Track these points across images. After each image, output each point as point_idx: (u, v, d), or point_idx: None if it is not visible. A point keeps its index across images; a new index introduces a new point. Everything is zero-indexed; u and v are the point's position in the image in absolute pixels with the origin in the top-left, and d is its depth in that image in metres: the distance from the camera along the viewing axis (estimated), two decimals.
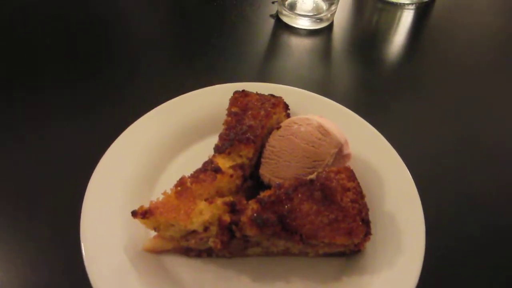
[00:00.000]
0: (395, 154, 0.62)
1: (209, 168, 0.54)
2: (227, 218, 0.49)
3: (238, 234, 0.50)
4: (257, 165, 0.60)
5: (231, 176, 0.55)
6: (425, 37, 0.99)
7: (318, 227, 0.48)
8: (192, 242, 0.53)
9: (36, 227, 0.58)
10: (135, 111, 0.66)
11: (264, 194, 0.51)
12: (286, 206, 0.49)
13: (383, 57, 0.92)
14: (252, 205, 0.50)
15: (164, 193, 0.52)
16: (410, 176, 0.59)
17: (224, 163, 0.56)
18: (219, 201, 0.51)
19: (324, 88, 0.81)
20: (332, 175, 0.52)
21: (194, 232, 0.52)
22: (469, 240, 0.60)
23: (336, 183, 0.50)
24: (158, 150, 0.64)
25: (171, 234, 0.52)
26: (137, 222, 0.51)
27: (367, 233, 0.51)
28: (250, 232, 0.48)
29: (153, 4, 1.02)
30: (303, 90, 0.70)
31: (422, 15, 1.01)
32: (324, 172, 0.52)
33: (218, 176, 0.54)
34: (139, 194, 0.58)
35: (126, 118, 0.65)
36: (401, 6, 1.01)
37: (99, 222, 0.53)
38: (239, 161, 0.57)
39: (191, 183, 0.52)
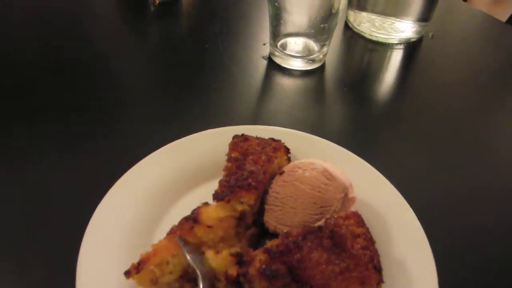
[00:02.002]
0: (399, 196, 0.61)
1: (191, 217, 0.53)
2: (233, 271, 0.46)
3: (246, 287, 0.47)
4: (259, 212, 0.58)
5: (209, 227, 0.52)
6: (414, 75, 1.01)
7: (330, 277, 0.46)
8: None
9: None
10: (128, 152, 0.64)
11: (271, 244, 0.49)
12: (295, 256, 0.46)
13: (376, 96, 0.93)
14: (260, 255, 0.48)
15: (153, 245, 0.51)
16: (416, 219, 0.58)
17: (216, 211, 0.54)
18: (225, 252, 0.48)
19: (318, 128, 0.80)
20: (341, 221, 0.50)
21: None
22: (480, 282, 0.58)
23: (345, 230, 0.49)
24: (155, 198, 0.61)
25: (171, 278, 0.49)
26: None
27: (379, 281, 0.48)
28: (259, 285, 0.46)
29: (142, 44, 1.02)
30: (303, 133, 0.69)
31: (410, 54, 1.04)
32: (332, 219, 0.50)
33: (195, 226, 0.52)
34: (137, 246, 0.54)
35: (119, 162, 0.63)
36: (390, 46, 1.04)
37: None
38: (240, 208, 0.55)
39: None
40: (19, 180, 0.66)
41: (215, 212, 0.54)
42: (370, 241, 0.49)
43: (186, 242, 0.51)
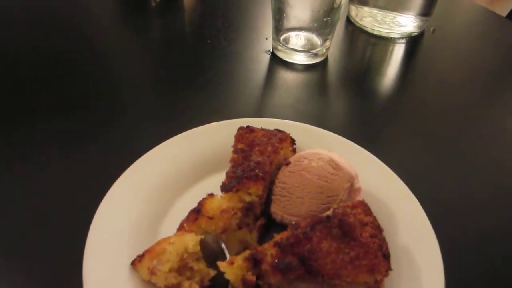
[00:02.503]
0: (404, 186, 0.61)
1: (196, 209, 0.53)
2: (252, 277, 0.46)
3: (262, 284, 0.47)
4: (266, 202, 0.58)
5: (210, 218, 0.53)
6: (416, 69, 1.02)
7: (340, 266, 0.46)
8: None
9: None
10: (131, 150, 0.64)
11: (281, 236, 0.49)
12: (306, 247, 0.46)
13: (378, 89, 0.93)
14: (270, 250, 0.47)
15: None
16: (422, 209, 0.58)
17: (218, 203, 0.54)
18: (239, 260, 0.48)
19: (322, 121, 0.80)
20: (349, 210, 0.50)
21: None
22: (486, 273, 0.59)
23: (353, 218, 0.49)
24: (161, 192, 0.60)
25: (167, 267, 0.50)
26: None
27: (388, 269, 0.49)
28: (274, 279, 0.46)
29: (144, 40, 1.02)
30: (307, 125, 0.69)
31: (412, 48, 1.04)
32: (340, 208, 0.50)
33: (199, 217, 0.52)
34: (144, 241, 0.54)
35: (123, 155, 0.63)
36: (392, 40, 1.04)
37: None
38: (248, 199, 0.55)
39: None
40: (20, 181, 0.66)
41: (217, 204, 0.54)
42: (378, 229, 0.50)
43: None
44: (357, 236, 0.47)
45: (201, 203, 0.54)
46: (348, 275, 0.46)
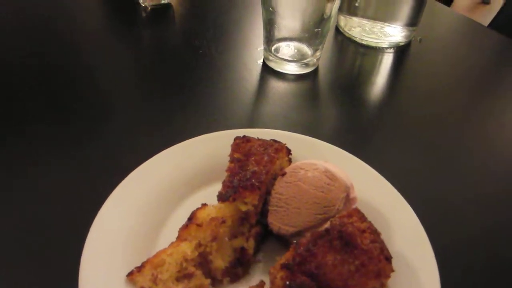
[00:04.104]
0: (396, 193, 0.62)
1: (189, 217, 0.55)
2: None
3: None
4: (262, 212, 0.59)
5: (198, 225, 0.53)
6: (404, 77, 1.04)
7: (348, 276, 0.46)
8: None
9: None
10: (122, 160, 0.64)
11: (285, 258, 0.49)
12: (313, 264, 0.47)
13: (368, 98, 0.95)
14: (278, 273, 0.48)
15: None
16: (414, 214, 0.59)
17: (207, 211, 0.55)
18: None
19: (313, 130, 0.81)
20: (346, 220, 0.51)
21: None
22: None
23: (352, 227, 0.49)
24: (157, 203, 0.60)
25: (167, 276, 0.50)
26: None
27: (391, 270, 0.49)
28: None
29: (134, 50, 1.02)
30: (301, 135, 0.70)
31: (400, 57, 1.07)
32: (337, 219, 0.51)
33: (189, 225, 0.54)
34: (140, 252, 0.54)
35: (114, 166, 0.63)
36: (381, 50, 1.06)
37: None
38: (244, 208, 0.55)
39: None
40: (16, 187, 0.65)
41: (207, 212, 0.55)
42: (376, 234, 0.50)
43: None
44: (358, 244, 0.48)
45: (193, 212, 0.55)
46: (357, 284, 0.46)
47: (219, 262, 0.54)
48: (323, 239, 0.49)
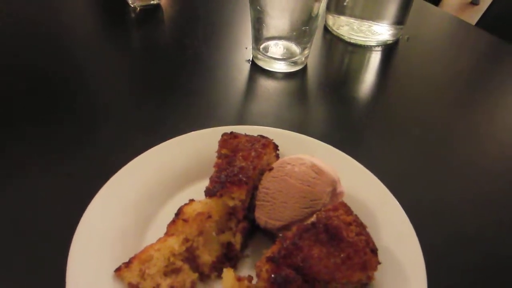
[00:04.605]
0: (384, 188, 0.63)
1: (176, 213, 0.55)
2: None
3: None
4: (249, 207, 0.59)
5: (184, 220, 0.54)
6: (392, 75, 1.06)
7: (334, 269, 0.47)
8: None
9: None
10: (113, 159, 0.63)
11: (271, 251, 0.49)
12: (298, 257, 0.47)
13: (356, 95, 0.95)
14: (264, 266, 0.48)
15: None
16: (402, 209, 0.60)
17: (193, 207, 0.55)
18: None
19: (302, 127, 0.82)
20: (331, 213, 0.51)
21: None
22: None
23: (337, 221, 0.50)
24: (145, 200, 0.61)
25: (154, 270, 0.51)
26: None
27: (377, 263, 0.50)
28: None
29: (124, 50, 1.02)
30: (289, 131, 0.71)
31: (388, 55, 1.08)
32: (323, 213, 0.51)
33: (176, 220, 0.54)
34: (128, 248, 0.54)
35: (106, 165, 0.63)
36: (369, 48, 1.08)
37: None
38: (231, 204, 0.56)
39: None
40: (4, 187, 0.65)
41: (194, 207, 0.55)
42: (361, 226, 0.51)
43: None
44: (344, 237, 0.48)
45: (181, 208, 0.56)
46: (343, 277, 0.46)
47: (206, 257, 0.54)
48: (309, 233, 0.49)
